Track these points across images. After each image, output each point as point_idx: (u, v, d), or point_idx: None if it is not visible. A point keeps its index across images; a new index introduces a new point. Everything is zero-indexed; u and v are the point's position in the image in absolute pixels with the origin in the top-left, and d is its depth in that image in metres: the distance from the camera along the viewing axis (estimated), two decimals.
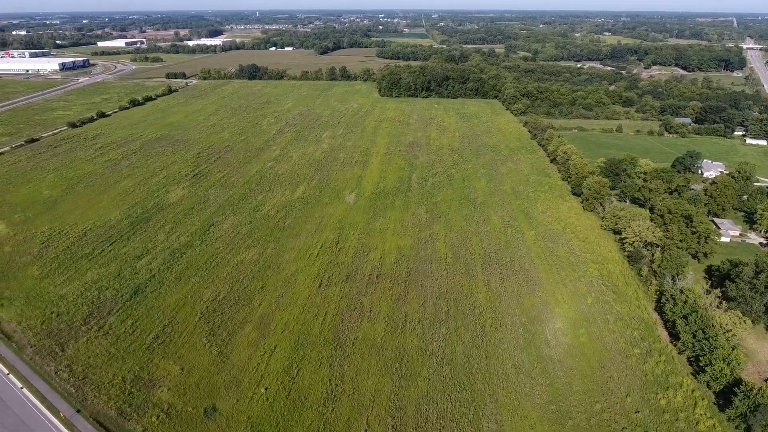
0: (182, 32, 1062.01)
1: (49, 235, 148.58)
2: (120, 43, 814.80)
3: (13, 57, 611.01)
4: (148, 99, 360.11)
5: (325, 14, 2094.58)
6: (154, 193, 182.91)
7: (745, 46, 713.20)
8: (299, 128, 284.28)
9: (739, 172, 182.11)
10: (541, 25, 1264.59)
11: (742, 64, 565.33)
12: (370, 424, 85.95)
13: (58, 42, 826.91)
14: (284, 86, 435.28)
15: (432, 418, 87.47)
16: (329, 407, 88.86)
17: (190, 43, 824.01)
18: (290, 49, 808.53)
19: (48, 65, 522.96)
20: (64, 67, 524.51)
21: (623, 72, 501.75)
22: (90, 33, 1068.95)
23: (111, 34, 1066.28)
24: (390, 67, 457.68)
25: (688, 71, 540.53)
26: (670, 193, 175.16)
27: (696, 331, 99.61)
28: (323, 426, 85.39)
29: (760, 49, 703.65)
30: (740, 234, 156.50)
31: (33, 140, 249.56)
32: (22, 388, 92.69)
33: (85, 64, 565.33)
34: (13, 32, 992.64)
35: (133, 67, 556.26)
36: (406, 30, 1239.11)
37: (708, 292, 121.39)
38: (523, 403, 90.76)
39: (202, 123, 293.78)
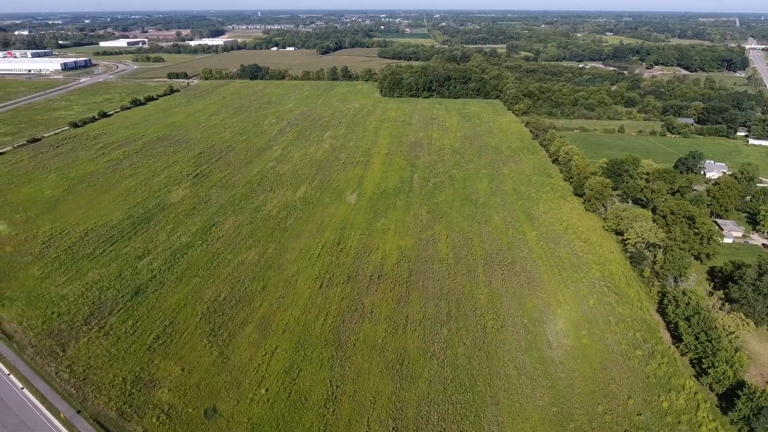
0: (184, 32, 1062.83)
1: (51, 235, 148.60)
2: (122, 43, 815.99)
3: (15, 57, 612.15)
4: (150, 99, 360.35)
5: (326, 14, 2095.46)
6: (156, 193, 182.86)
7: (747, 46, 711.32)
8: (301, 128, 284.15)
9: (742, 173, 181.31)
10: (543, 25, 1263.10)
11: (744, 64, 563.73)
12: (371, 426, 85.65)
13: (60, 42, 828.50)
14: (286, 86, 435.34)
15: (433, 419, 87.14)
16: (330, 409, 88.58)
17: (192, 43, 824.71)
18: (292, 49, 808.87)
19: (50, 65, 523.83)
20: (66, 67, 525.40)
21: (625, 72, 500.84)
22: (92, 33, 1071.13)
23: (113, 34, 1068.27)
24: (391, 67, 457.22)
25: (691, 71, 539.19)
26: (673, 194, 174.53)
27: (698, 333, 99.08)
28: (324, 428, 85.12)
29: (763, 49, 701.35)
30: (743, 235, 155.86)
31: (35, 140, 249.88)
32: (22, 388, 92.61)
33: (87, 64, 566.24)
34: (16, 32, 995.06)
35: (135, 67, 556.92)
36: (407, 30, 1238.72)
37: (711, 293, 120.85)
38: (525, 405, 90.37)
39: (203, 123, 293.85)
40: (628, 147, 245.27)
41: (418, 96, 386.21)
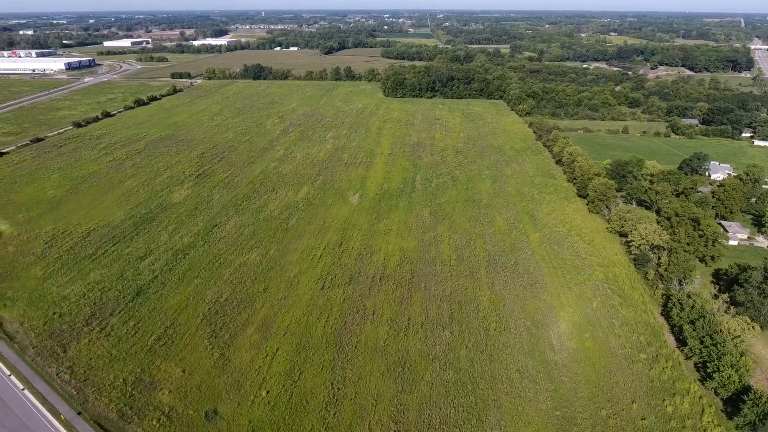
0: (188, 32, 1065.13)
1: (53, 235, 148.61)
2: (126, 42, 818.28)
3: (20, 57, 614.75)
4: (153, 99, 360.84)
5: (330, 14, 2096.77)
6: (158, 194, 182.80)
7: (752, 47, 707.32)
8: (303, 128, 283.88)
9: (748, 175, 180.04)
10: (546, 26, 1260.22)
11: (749, 64, 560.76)
12: (373, 429, 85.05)
13: (64, 42, 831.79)
14: (289, 86, 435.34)
15: (435, 423, 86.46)
16: (331, 411, 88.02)
17: (196, 42, 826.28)
18: (295, 49, 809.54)
19: (54, 65, 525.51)
20: (69, 67, 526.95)
21: (629, 72, 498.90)
22: (96, 33, 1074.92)
23: (117, 33, 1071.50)
24: (395, 67, 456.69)
25: (695, 72, 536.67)
26: (677, 195, 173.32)
27: (703, 337, 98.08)
28: (325, 430, 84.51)
29: None
30: (748, 237, 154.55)
31: (38, 140, 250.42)
32: (23, 389, 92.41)
33: (91, 64, 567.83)
34: (21, 32, 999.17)
35: (139, 66, 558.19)
36: (411, 30, 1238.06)
37: (716, 296, 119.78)
38: (527, 408, 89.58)
39: (206, 123, 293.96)
40: (632, 148, 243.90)
41: (421, 96, 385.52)
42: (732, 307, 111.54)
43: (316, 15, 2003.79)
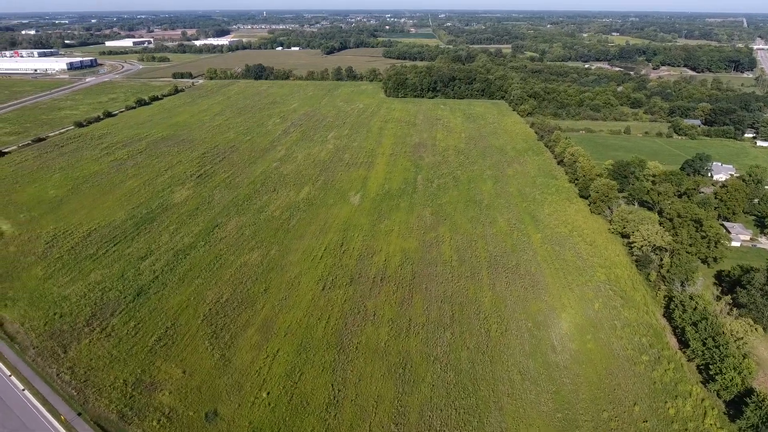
0: (189, 32, 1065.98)
1: (54, 235, 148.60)
2: (128, 42, 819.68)
3: (22, 56, 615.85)
4: (155, 99, 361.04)
5: (332, 14, 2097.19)
6: (159, 194, 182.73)
7: (755, 47, 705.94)
8: (305, 128, 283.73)
9: (750, 175, 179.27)
10: (548, 26, 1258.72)
11: (752, 64, 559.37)
12: (373, 431, 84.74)
13: (66, 41, 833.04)
14: (290, 86, 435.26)
15: (436, 425, 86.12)
16: (332, 413, 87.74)
17: (197, 42, 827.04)
18: (297, 49, 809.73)
19: (56, 65, 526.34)
20: (71, 67, 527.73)
21: (631, 73, 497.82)
22: (98, 32, 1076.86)
23: (119, 33, 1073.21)
24: (396, 68, 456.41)
25: (698, 72, 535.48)
26: (680, 196, 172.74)
27: (706, 339, 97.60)
28: None
29: None
30: (751, 238, 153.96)
31: (40, 139, 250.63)
32: (23, 390, 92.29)
33: (93, 64, 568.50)
34: (23, 32, 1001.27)
35: (140, 66, 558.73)
36: (412, 30, 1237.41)
37: (718, 298, 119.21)
38: (529, 410, 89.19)
39: (207, 123, 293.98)
40: (634, 148, 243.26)
41: (423, 96, 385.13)
42: (735, 309, 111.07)
43: (317, 15, 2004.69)
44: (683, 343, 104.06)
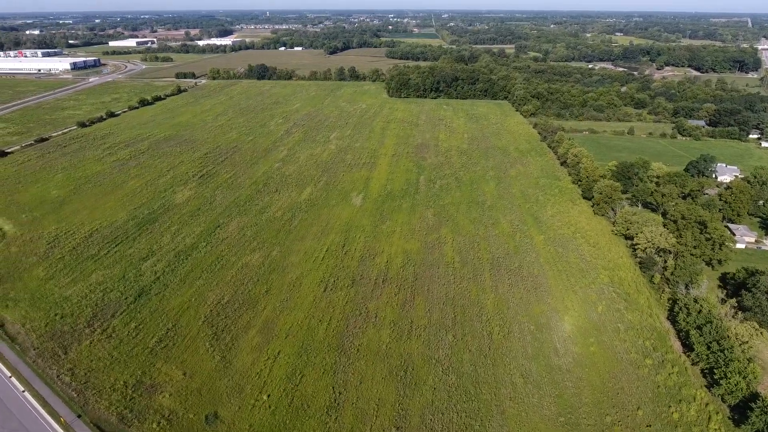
0: (193, 32, 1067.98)
1: (56, 236, 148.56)
2: (131, 42, 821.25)
3: (25, 56, 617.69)
4: (157, 99, 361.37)
5: (335, 14, 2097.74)
6: (161, 194, 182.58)
7: (760, 47, 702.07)
8: (307, 129, 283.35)
9: (755, 177, 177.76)
10: (551, 26, 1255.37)
11: (757, 65, 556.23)
12: None
13: (70, 41, 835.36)
14: (293, 86, 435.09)
15: (437, 428, 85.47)
16: (332, 416, 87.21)
17: (200, 42, 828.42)
18: (300, 49, 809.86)
19: (59, 65, 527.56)
20: (75, 67, 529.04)
21: (635, 73, 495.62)
22: (102, 33, 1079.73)
23: (122, 33, 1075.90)
24: (399, 68, 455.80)
25: (702, 72, 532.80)
26: (684, 197, 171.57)
27: (710, 343, 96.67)
28: None
29: None
30: (756, 240, 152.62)
31: (43, 139, 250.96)
32: (24, 391, 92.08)
33: (96, 64, 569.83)
34: (27, 32, 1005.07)
35: (144, 66, 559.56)
36: (415, 30, 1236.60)
37: (723, 301, 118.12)
38: (531, 414, 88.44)
39: (210, 123, 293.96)
40: (638, 149, 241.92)
41: (426, 96, 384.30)
42: (740, 312, 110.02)
43: (320, 15, 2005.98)
44: (687, 347, 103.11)
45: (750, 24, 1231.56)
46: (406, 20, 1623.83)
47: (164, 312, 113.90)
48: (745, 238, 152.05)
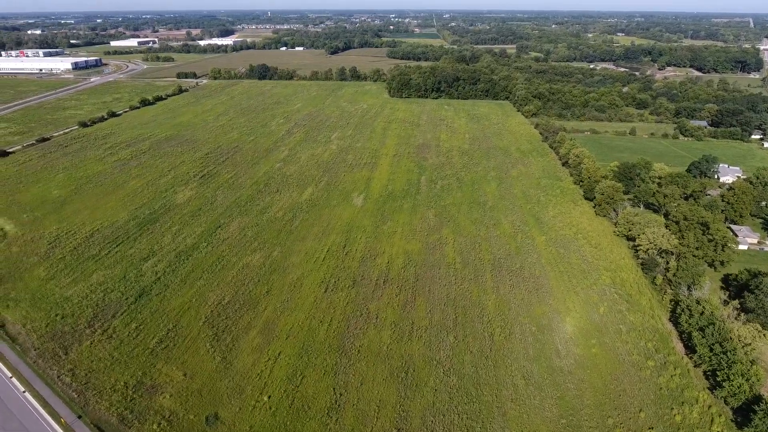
0: (194, 32, 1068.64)
1: (57, 236, 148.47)
2: (132, 42, 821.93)
3: (27, 56, 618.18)
4: (159, 99, 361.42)
5: (336, 14, 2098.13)
6: (162, 194, 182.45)
7: (762, 47, 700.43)
8: (308, 129, 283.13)
9: (758, 178, 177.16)
10: (553, 26, 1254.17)
11: (759, 65, 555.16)
12: None
13: (72, 41, 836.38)
14: (294, 86, 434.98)
15: (438, 430, 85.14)
16: (333, 417, 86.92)
17: (202, 42, 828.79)
18: (301, 49, 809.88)
19: (61, 64, 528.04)
20: (76, 67, 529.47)
21: (637, 73, 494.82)
22: (103, 32, 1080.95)
23: (124, 33, 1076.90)
24: (400, 68, 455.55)
25: (704, 73, 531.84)
26: (686, 198, 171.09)
27: (713, 344, 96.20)
28: None
29: None
30: (758, 242, 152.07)
31: (44, 139, 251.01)
32: (24, 392, 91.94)
33: (98, 64, 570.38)
34: (29, 31, 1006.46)
35: (145, 66, 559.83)
36: (417, 30, 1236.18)
37: (726, 303, 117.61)
38: (533, 416, 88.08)
39: (211, 123, 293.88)
40: (640, 150, 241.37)
41: (427, 97, 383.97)
42: (742, 314, 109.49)
43: (322, 15, 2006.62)
44: (690, 349, 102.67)
45: (752, 24, 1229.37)
46: (407, 20, 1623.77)
47: (165, 312, 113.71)
48: (747, 239, 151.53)
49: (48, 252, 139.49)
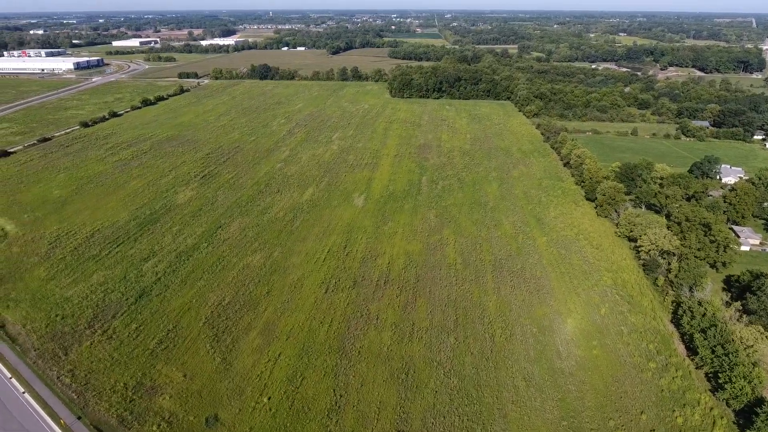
0: (196, 32, 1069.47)
1: (58, 236, 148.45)
2: (134, 42, 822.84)
3: (29, 56, 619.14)
4: (160, 99, 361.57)
5: (338, 14, 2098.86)
6: (163, 194, 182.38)
7: (764, 47, 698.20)
8: (309, 129, 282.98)
9: (760, 178, 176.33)
10: (555, 26, 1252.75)
11: (761, 65, 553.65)
12: None
13: (74, 41, 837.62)
14: (295, 86, 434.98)
15: None
16: (333, 419, 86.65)
17: (203, 42, 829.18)
18: (302, 49, 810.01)
19: (63, 64, 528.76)
20: (78, 67, 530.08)
21: (639, 73, 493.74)
22: (105, 32, 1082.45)
23: (126, 33, 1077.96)
24: (402, 68, 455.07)
25: (706, 73, 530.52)
26: (688, 199, 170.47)
27: (715, 346, 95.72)
28: None
29: None
30: (760, 243, 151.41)
31: (45, 139, 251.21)
32: (24, 392, 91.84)
33: (99, 64, 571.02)
34: (31, 31, 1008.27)
35: (146, 66, 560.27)
36: (418, 30, 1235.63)
37: (728, 304, 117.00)
38: (534, 418, 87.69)
39: (212, 123, 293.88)
40: (642, 150, 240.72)
41: (428, 97, 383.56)
42: (744, 316, 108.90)
43: (323, 15, 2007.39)
44: (691, 350, 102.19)
45: (754, 24, 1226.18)
46: (409, 20, 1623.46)
47: (165, 313, 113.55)
48: (749, 240, 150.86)
49: (48, 252, 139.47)
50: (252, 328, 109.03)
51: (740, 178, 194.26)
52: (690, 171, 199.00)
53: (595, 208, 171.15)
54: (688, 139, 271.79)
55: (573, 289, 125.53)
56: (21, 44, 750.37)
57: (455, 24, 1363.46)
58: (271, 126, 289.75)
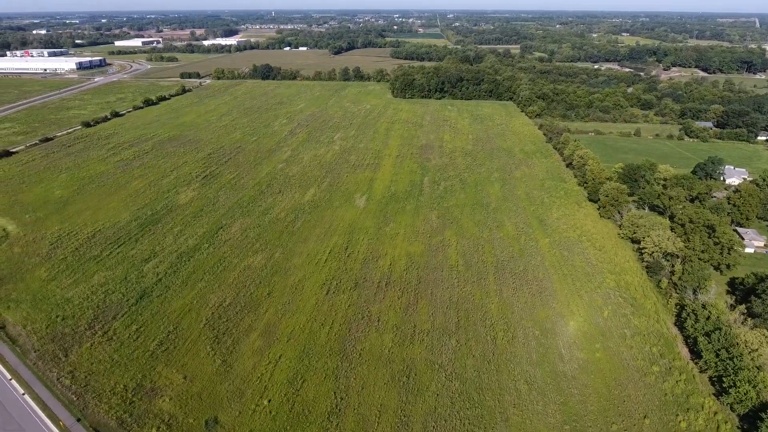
0: (198, 32, 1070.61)
1: (59, 236, 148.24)
2: (137, 42, 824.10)
3: (32, 56, 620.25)
4: (162, 99, 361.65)
5: (340, 14, 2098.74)
6: (164, 195, 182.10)
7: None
8: (311, 129, 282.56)
9: (764, 179, 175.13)
10: (557, 26, 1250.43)
11: (765, 65, 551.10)
12: None
13: (76, 41, 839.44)
14: (297, 86, 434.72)
15: None
16: (333, 422, 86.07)
17: (206, 42, 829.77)
18: (304, 49, 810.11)
19: (65, 64, 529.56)
20: (80, 67, 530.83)
21: (642, 74, 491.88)
22: (108, 32, 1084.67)
23: (128, 33, 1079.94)
24: (404, 68, 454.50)
25: (709, 73, 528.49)
26: (691, 200, 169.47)
27: (719, 350, 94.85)
28: None
29: None
30: (765, 245, 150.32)
31: (47, 139, 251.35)
32: (23, 394, 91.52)
33: (102, 64, 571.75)
34: (34, 31, 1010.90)
35: (149, 66, 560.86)
36: (420, 30, 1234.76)
37: (732, 307, 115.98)
38: (536, 422, 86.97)
39: (214, 123, 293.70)
40: (645, 151, 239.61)
41: (430, 97, 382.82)
42: (749, 319, 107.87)
43: (325, 15, 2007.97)
44: (695, 354, 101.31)
45: (758, 24, 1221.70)
46: (411, 20, 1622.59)
47: (165, 314, 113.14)
48: (754, 242, 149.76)
49: (49, 253, 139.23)
50: (253, 329, 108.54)
51: (744, 179, 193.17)
52: (693, 172, 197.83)
53: (598, 209, 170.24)
54: (691, 140, 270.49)
55: (576, 291, 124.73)
56: (24, 44, 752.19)
57: (457, 24, 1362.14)
58: (273, 126, 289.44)
